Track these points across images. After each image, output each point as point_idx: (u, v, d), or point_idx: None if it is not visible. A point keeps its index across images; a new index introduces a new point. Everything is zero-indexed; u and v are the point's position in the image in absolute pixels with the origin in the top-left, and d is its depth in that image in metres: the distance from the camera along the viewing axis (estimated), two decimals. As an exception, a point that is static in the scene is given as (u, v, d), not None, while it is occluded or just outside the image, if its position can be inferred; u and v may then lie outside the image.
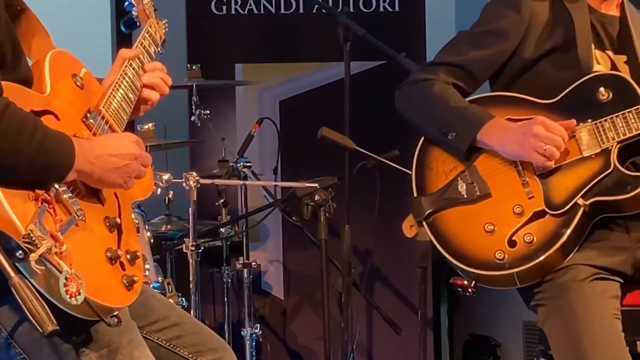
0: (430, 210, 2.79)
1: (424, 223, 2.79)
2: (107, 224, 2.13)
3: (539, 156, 2.68)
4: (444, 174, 2.82)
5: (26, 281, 1.86)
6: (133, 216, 2.28)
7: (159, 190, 3.71)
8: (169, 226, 4.40)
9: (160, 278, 3.82)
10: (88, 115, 2.23)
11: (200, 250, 3.92)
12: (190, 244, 3.89)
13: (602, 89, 2.73)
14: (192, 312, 3.86)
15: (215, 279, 4.60)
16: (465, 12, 4.74)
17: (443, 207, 2.78)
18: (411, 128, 2.92)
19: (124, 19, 2.73)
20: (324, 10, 4.76)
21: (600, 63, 2.81)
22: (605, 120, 2.70)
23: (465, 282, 2.73)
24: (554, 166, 2.69)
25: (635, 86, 2.70)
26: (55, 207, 1.97)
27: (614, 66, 2.82)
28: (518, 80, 2.85)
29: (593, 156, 2.70)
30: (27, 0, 2.28)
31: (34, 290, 1.86)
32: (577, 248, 2.66)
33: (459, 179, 2.79)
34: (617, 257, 2.69)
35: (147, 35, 2.54)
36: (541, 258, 2.64)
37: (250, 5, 4.94)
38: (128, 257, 2.13)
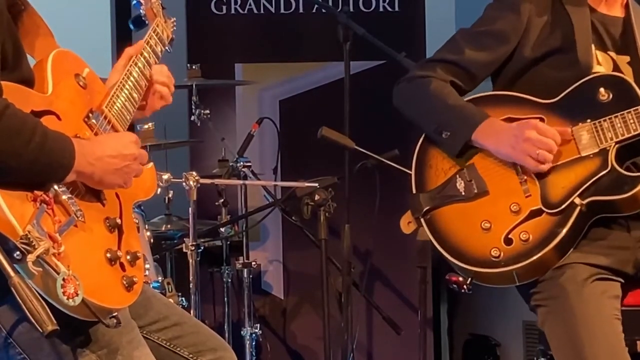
0: (428, 207, 2.79)
1: (422, 219, 2.80)
2: (107, 224, 2.13)
3: (531, 160, 2.69)
4: (443, 171, 2.83)
5: (26, 281, 1.86)
6: (133, 216, 2.28)
7: (159, 189, 3.71)
8: (168, 226, 4.40)
9: (160, 278, 3.82)
10: (90, 115, 2.23)
11: (200, 250, 3.92)
12: (190, 243, 3.89)
13: (602, 90, 2.73)
14: (192, 311, 3.86)
15: (215, 279, 4.60)
16: (465, 12, 4.74)
17: (441, 204, 2.79)
18: (411, 127, 2.93)
19: (132, 18, 2.73)
20: (323, 10, 4.76)
21: (602, 64, 2.81)
22: (604, 121, 2.70)
23: (461, 279, 2.74)
24: (546, 170, 2.69)
25: (636, 88, 2.71)
26: (54, 208, 1.97)
27: (616, 67, 2.82)
28: (519, 79, 2.86)
29: (591, 156, 2.70)
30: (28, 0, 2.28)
31: (34, 290, 1.86)
32: (573, 247, 2.67)
33: (457, 176, 2.80)
34: (618, 257, 2.69)
35: (154, 34, 2.53)
36: (537, 256, 2.65)
37: (250, 5, 4.94)
38: (128, 257, 2.13)
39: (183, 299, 3.92)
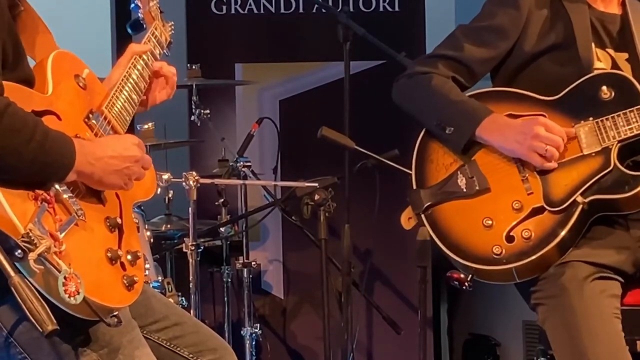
0: (429, 203, 2.79)
1: (422, 216, 2.80)
2: (108, 224, 2.13)
3: (538, 157, 2.68)
4: (444, 167, 2.82)
5: (26, 281, 1.86)
6: (133, 216, 2.28)
7: (159, 189, 3.71)
8: (168, 226, 4.40)
9: (160, 277, 3.82)
10: (90, 115, 2.24)
11: (200, 250, 3.92)
12: (190, 243, 3.89)
13: (604, 88, 2.73)
14: (192, 311, 3.86)
15: (215, 279, 4.60)
16: (465, 12, 4.73)
17: (442, 200, 2.79)
18: (412, 127, 2.93)
19: (130, 22, 2.73)
20: (323, 10, 4.76)
21: (602, 61, 2.81)
22: (607, 119, 2.70)
23: (462, 276, 2.74)
24: (553, 167, 2.69)
25: (638, 86, 2.71)
26: (55, 207, 1.97)
27: (614, 64, 2.82)
28: (519, 75, 2.86)
29: (593, 154, 2.70)
30: (28, 1, 2.28)
31: (34, 290, 1.86)
32: (574, 245, 2.67)
33: (458, 172, 2.80)
34: (618, 256, 2.69)
35: (152, 37, 2.54)
36: (538, 254, 2.65)
37: (250, 5, 4.94)
38: (129, 257, 2.13)
39: (183, 298, 3.92)
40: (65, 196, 2.00)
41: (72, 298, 1.89)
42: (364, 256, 4.74)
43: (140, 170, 2.22)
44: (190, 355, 2.39)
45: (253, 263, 4.38)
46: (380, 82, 4.28)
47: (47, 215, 1.95)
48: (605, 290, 2.63)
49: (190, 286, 3.91)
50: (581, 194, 2.67)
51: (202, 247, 3.95)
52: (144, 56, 2.47)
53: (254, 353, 4.30)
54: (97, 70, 2.35)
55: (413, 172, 2.85)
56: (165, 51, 2.59)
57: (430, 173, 2.83)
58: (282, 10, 4.96)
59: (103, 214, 2.13)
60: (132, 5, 2.63)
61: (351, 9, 4.78)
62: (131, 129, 2.46)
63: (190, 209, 3.87)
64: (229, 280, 4.44)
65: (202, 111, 4.38)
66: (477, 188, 2.77)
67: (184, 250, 3.91)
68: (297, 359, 4.93)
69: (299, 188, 3.89)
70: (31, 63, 2.21)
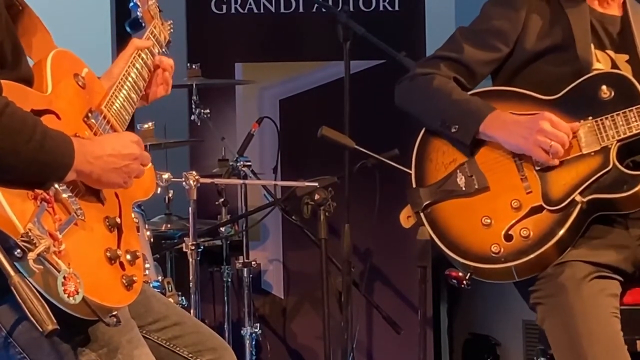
0: (428, 202, 2.80)
1: (421, 214, 2.80)
2: (107, 223, 2.13)
3: (543, 152, 2.69)
4: (444, 166, 2.83)
5: (26, 280, 1.86)
6: (133, 215, 2.28)
7: (159, 189, 3.71)
8: (168, 225, 4.40)
9: (160, 277, 3.82)
10: (89, 114, 2.24)
11: (200, 250, 3.92)
12: (190, 243, 3.89)
13: (604, 87, 2.73)
14: (191, 311, 3.86)
15: (215, 278, 4.60)
16: (465, 12, 4.73)
17: (441, 199, 2.79)
18: (411, 127, 2.93)
19: (129, 20, 2.73)
20: (323, 10, 4.76)
21: (601, 62, 2.82)
22: (606, 118, 2.70)
23: (460, 274, 2.74)
24: (557, 163, 2.70)
25: (638, 86, 2.71)
26: (54, 207, 1.97)
27: (614, 66, 2.82)
28: (518, 75, 2.86)
29: (592, 153, 2.70)
30: (27, 0, 2.28)
31: (34, 290, 1.86)
32: (573, 244, 2.67)
33: (457, 171, 2.80)
34: (617, 255, 2.69)
35: (151, 36, 2.54)
36: (537, 253, 2.65)
37: (250, 4, 4.94)
38: (128, 257, 2.13)
39: (183, 298, 3.92)
40: (64, 196, 2.00)
41: (71, 298, 1.89)
42: (364, 256, 4.74)
43: (140, 168, 2.21)
44: (190, 355, 2.39)
45: (253, 263, 4.38)
46: (380, 81, 4.30)
47: (47, 214, 1.94)
48: (604, 290, 2.63)
49: (190, 286, 3.91)
50: (580, 193, 2.67)
51: (202, 247, 3.95)
52: (143, 55, 2.47)
53: (254, 353, 4.31)
54: (96, 70, 2.35)
55: (413, 171, 2.86)
56: (164, 50, 2.60)
57: (430, 172, 2.84)
58: (282, 10, 4.96)
59: (102, 214, 2.13)
60: (131, 3, 2.63)
61: (351, 9, 4.78)
62: (131, 129, 2.46)
63: (190, 208, 3.87)
64: (229, 280, 4.44)
65: (202, 111, 4.38)
66: (476, 187, 2.77)
67: (184, 249, 3.92)
68: (297, 358, 4.93)
69: (299, 188, 3.89)
70: (30, 63, 2.21)
